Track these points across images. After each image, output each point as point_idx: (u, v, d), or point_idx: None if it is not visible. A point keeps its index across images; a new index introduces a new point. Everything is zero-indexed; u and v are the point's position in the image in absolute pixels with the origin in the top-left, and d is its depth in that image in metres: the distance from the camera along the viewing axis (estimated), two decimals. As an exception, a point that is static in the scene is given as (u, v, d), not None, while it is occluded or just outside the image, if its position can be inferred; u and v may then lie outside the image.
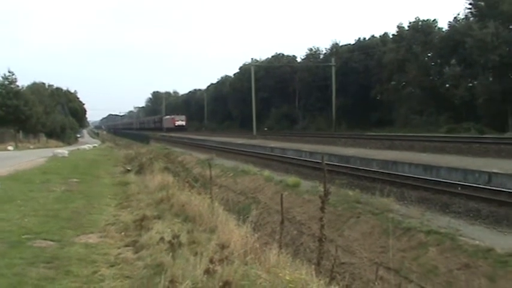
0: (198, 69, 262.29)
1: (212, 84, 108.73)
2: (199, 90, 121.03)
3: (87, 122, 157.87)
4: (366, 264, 10.03)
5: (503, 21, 37.06)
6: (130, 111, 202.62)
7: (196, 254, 5.19)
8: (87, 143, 62.05)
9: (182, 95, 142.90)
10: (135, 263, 6.19)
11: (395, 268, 9.25)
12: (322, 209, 5.01)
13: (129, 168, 20.94)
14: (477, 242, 8.88)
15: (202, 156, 32.21)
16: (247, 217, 8.56)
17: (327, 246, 8.79)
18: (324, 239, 5.07)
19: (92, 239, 7.91)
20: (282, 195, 6.92)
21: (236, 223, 7.39)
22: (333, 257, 5.49)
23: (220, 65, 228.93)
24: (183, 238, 6.10)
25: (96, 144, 60.46)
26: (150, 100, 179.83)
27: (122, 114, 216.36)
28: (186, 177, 17.27)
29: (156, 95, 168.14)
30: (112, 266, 6.18)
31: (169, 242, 5.66)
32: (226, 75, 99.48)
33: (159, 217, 9.15)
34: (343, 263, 10.47)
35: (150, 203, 11.47)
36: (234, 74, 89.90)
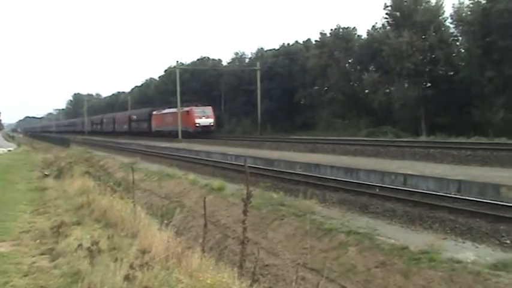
0: (121, 72, 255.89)
1: (137, 86, 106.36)
2: (123, 92, 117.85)
3: (1, 125, 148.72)
4: (289, 265, 10.21)
5: (417, 31, 39.16)
6: (50, 114, 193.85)
7: (116, 260, 5.05)
8: (1, 147, 58.52)
9: (105, 98, 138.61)
10: (51, 271, 5.91)
11: (317, 268, 9.51)
12: (244, 211, 5.05)
13: (47, 173, 19.99)
14: (393, 241, 9.31)
15: (126, 160, 31.42)
16: (171, 221, 8.46)
17: (251, 249, 8.87)
18: (246, 242, 5.10)
19: (4, 247, 7.47)
20: (204, 198, 6.91)
21: (159, 227, 7.27)
22: (255, 259, 5.54)
23: (145, 67, 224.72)
24: (103, 244, 5.92)
25: (11, 148, 57.12)
26: (70, 102, 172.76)
27: (40, 116, 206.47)
28: (108, 182, 16.77)
29: (77, 97, 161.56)
30: (25, 275, 5.86)
31: (88, 248, 5.47)
32: (151, 78, 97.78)
33: (78, 223, 8.82)
34: (267, 265, 10.61)
35: (69, 208, 11.03)
36: (159, 77, 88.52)
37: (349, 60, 50.41)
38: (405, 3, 41.30)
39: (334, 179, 17.58)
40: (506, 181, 13.39)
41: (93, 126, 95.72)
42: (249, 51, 72.57)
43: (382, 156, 21.73)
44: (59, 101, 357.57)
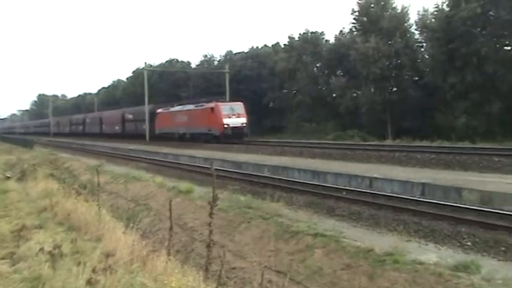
0: (88, 73, 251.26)
1: (104, 88, 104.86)
2: (90, 94, 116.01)
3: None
4: (256, 268, 10.20)
5: (383, 37, 39.89)
6: (13, 115, 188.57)
7: (79, 264, 4.96)
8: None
9: (71, 99, 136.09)
10: (10, 276, 5.74)
11: (283, 271, 9.54)
12: (210, 214, 5.03)
13: (8, 175, 19.46)
14: (358, 243, 9.42)
15: (92, 162, 30.87)
16: (137, 224, 8.35)
17: (218, 252, 8.85)
18: (212, 245, 5.09)
19: (-38, 252, 7.23)
20: (170, 201, 6.85)
21: (124, 231, 7.17)
22: (221, 262, 5.52)
23: (112, 68, 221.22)
24: (66, 248, 5.80)
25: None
26: (35, 103, 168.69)
27: (3, 117, 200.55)
28: (73, 184, 16.45)
29: (41, 98, 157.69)
30: (-16, 281, 5.69)
31: (50, 252, 5.34)
32: (119, 79, 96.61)
33: (40, 226, 8.60)
34: (234, 268, 10.58)
35: (32, 211, 10.76)
36: (127, 78, 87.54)
37: (317, 64, 51.00)
38: (372, 9, 42.04)
39: (302, 182, 17.71)
40: (467, 184, 13.73)
41: (71, 127, 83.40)
42: (218, 53, 72.57)
43: (349, 159, 21.98)
44: (23, 102, 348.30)
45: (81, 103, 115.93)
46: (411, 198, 13.63)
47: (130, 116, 57.45)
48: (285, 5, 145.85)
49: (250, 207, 13.34)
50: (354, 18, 43.74)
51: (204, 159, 26.54)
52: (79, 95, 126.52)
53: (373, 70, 39.20)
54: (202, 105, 40.62)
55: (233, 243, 11.81)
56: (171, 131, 45.19)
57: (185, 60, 77.12)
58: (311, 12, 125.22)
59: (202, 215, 13.88)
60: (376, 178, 16.44)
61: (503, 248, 8.90)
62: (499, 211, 11.20)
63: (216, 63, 67.92)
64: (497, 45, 33.59)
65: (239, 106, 38.62)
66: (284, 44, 55.38)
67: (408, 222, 11.27)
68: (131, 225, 7.77)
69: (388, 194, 14.35)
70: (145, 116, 50.62)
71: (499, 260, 8.43)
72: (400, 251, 8.57)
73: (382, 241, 9.55)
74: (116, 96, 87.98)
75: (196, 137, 39.96)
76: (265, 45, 63.60)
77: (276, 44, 61.42)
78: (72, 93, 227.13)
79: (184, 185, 17.86)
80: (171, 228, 6.54)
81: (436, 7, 37.08)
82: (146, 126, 49.93)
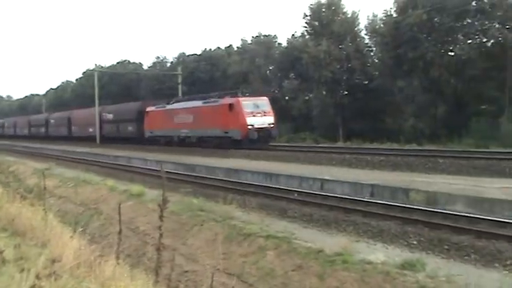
0: (35, 74, 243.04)
1: (52, 89, 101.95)
2: (37, 95, 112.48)
3: None
4: (208, 271, 10.17)
5: (334, 41, 40.64)
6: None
7: (22, 270, 4.79)
8: None
9: (17, 100, 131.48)
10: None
11: (235, 273, 9.56)
12: (160, 217, 4.99)
13: None
14: (309, 244, 9.56)
15: (40, 165, 29.89)
16: (86, 229, 8.17)
17: (170, 255, 8.77)
18: (162, 248, 5.04)
19: None
20: (119, 204, 6.75)
21: (72, 235, 6.99)
22: (172, 265, 5.48)
23: (61, 69, 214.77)
24: (9, 254, 5.59)
25: None
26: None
27: None
28: (18, 188, 15.88)
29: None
30: None
31: (-8, 259, 5.14)
32: (68, 81, 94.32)
33: (-18, 233, 8.26)
34: (186, 271, 10.53)
35: (-27, 217, 10.31)
36: (77, 79, 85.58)
37: (270, 67, 51.37)
38: (323, 14, 42.75)
39: (254, 184, 17.81)
40: (414, 185, 14.18)
41: (31, 129, 70.81)
42: (171, 55, 71.97)
43: (301, 161, 22.24)
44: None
45: (28, 104, 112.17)
46: (361, 199, 13.95)
47: (109, 116, 47.44)
48: (238, 8, 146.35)
49: (202, 210, 13.30)
50: (306, 22, 44.34)
51: (157, 162, 26.18)
52: (26, 96, 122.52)
53: (324, 73, 39.83)
54: (215, 101, 31.99)
55: (186, 246, 11.74)
56: (167, 133, 36.81)
57: (137, 61, 76.33)
58: (264, 15, 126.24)
59: (154, 219, 13.65)
60: (327, 180, 16.72)
61: (446, 247, 9.25)
62: (443, 211, 11.64)
63: (168, 65, 67.34)
64: (442, 51, 34.86)
65: (264, 102, 30.78)
66: (237, 47, 55.67)
67: (358, 222, 11.53)
68: (80, 229, 7.58)
69: (339, 196, 14.64)
70: (132, 116, 42.13)
71: (443, 257, 8.76)
72: (349, 251, 8.75)
73: (332, 242, 9.72)
74: (65, 97, 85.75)
75: (205, 141, 32.11)
76: (218, 47, 63.58)
77: (229, 46, 61.56)
78: (18, 94, 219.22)
79: (136, 188, 17.58)
80: (120, 232, 6.44)
81: (385, 13, 38.13)
82: (97, 131, 48.18)
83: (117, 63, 75.47)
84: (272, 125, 29.66)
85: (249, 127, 28.47)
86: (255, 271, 9.48)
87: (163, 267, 5.66)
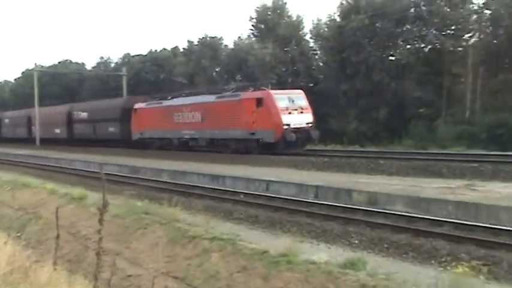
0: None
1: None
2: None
3: None
4: (152, 275, 10.03)
5: (280, 43, 41.10)
6: None
7: (-48, 279, 4.57)
8: None
9: None
10: None
11: (180, 276, 9.48)
12: (100, 221, 4.87)
13: None
14: (254, 246, 9.59)
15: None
16: (23, 234, 7.87)
17: (112, 260, 8.58)
18: (102, 252, 4.93)
19: None
20: (57, 209, 6.54)
21: (6, 241, 6.71)
22: (113, 270, 5.36)
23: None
24: None
25: None
26: None
27: None
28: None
29: None
30: None
31: None
32: (6, 80, 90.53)
33: None
34: (129, 276, 10.32)
35: None
36: (16, 79, 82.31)
37: (216, 69, 51.28)
38: (269, 17, 43.14)
39: (200, 186, 17.74)
40: (357, 186, 14.54)
41: None
42: (115, 56, 70.50)
43: (249, 163, 22.25)
44: None
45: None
46: (305, 200, 14.16)
47: (83, 115, 41.14)
48: (185, 10, 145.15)
49: (147, 213, 13.08)
50: (252, 25, 44.64)
51: (100, 164, 25.52)
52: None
53: (270, 76, 40.16)
54: (235, 96, 26.16)
55: (129, 250, 11.51)
56: (164, 135, 31.07)
57: (80, 61, 74.27)
58: (210, 17, 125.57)
59: (96, 222, 13.35)
60: (273, 181, 16.87)
61: (386, 245, 9.54)
62: (383, 211, 12.00)
63: (113, 65, 65.92)
64: (384, 55, 35.97)
65: (300, 96, 25.34)
66: (183, 48, 55.16)
67: (302, 223, 11.70)
68: (14, 234, 7.30)
69: (284, 197, 14.80)
70: (115, 114, 35.74)
71: (383, 256, 9.03)
72: (293, 251, 8.84)
73: (277, 243, 9.79)
74: (3, 97, 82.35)
75: (219, 145, 26.88)
76: (164, 48, 62.84)
77: (175, 47, 60.95)
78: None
79: (77, 191, 17.04)
80: (57, 237, 6.24)
81: (329, 17, 38.93)
82: (36, 133, 46.27)
83: (59, 62, 73.17)
84: (311, 125, 24.72)
85: (285, 127, 23.25)
86: (200, 273, 9.43)
87: (104, 272, 5.53)
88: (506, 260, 8.10)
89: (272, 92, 24.50)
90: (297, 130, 23.41)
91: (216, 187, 17.51)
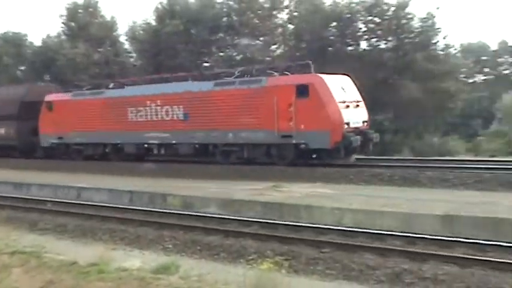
0: None
1: None
2: None
3: None
4: None
5: (93, 44, 39.44)
6: None
7: None
8: None
9: None
10: None
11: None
12: None
13: None
14: (62, 257, 9.10)
15: None
16: None
17: None
18: None
19: None
20: None
21: None
22: None
23: None
24: None
25: None
26: None
27: None
28: None
29: None
30: None
31: None
32: None
33: None
34: None
35: None
36: None
37: (21, 68, 47.33)
38: (80, 15, 41.18)
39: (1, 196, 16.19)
40: (175, 190, 14.61)
41: None
42: None
43: (59, 170, 20.83)
44: None
45: None
46: (119, 206, 13.85)
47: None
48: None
49: None
50: (63, 22, 42.10)
51: None
52: None
53: (83, 77, 38.26)
54: (257, 81, 18.05)
55: None
56: (108, 140, 22.01)
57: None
58: (15, 12, 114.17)
59: None
60: (84, 188, 16.18)
61: (199, 247, 9.77)
62: (196, 213, 12.36)
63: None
64: (198, 61, 36.88)
65: (351, 84, 18.03)
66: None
67: (115, 230, 11.39)
68: None
69: (97, 204, 14.29)
70: (10, 110, 25.08)
71: (196, 258, 9.25)
72: (105, 260, 8.58)
73: (87, 252, 9.42)
74: None
75: (228, 153, 18.90)
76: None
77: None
78: None
79: None
80: None
81: (145, 21, 38.57)
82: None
83: None
84: (367, 124, 17.95)
85: (346, 126, 16.55)
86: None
87: None
88: (305, 254, 8.91)
89: (324, 76, 17.01)
90: (356, 132, 16.87)
91: (18, 196, 16.13)
